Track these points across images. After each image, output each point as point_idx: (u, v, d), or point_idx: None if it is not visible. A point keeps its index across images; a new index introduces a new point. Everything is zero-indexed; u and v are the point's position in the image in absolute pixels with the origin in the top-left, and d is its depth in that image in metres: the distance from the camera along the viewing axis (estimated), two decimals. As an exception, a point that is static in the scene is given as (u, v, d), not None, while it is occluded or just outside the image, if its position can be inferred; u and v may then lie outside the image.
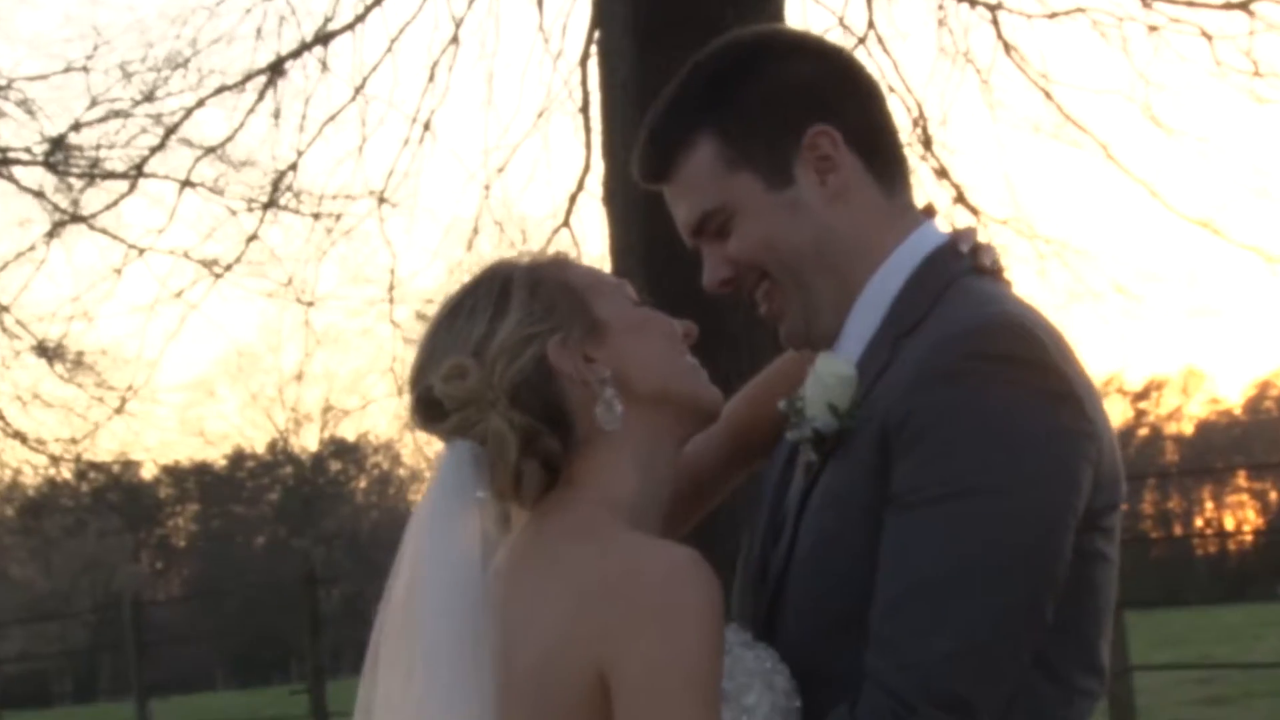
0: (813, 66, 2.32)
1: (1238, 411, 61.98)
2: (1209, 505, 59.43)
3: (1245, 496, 58.77)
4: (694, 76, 2.35)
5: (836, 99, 2.30)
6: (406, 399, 2.26)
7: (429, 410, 2.21)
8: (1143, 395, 58.47)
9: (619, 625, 2.00)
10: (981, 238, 2.36)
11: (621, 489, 2.18)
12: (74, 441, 17.70)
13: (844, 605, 2.13)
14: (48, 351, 16.69)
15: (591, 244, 12.90)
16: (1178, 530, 54.23)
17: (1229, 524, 59.14)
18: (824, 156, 2.27)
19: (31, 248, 14.97)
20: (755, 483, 2.54)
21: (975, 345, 2.10)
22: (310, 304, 14.39)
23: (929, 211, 2.38)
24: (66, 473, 20.81)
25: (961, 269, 2.28)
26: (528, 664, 2.06)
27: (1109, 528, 2.17)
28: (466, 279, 2.30)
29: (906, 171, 2.37)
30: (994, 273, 2.30)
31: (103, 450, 19.30)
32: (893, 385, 2.14)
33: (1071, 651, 2.16)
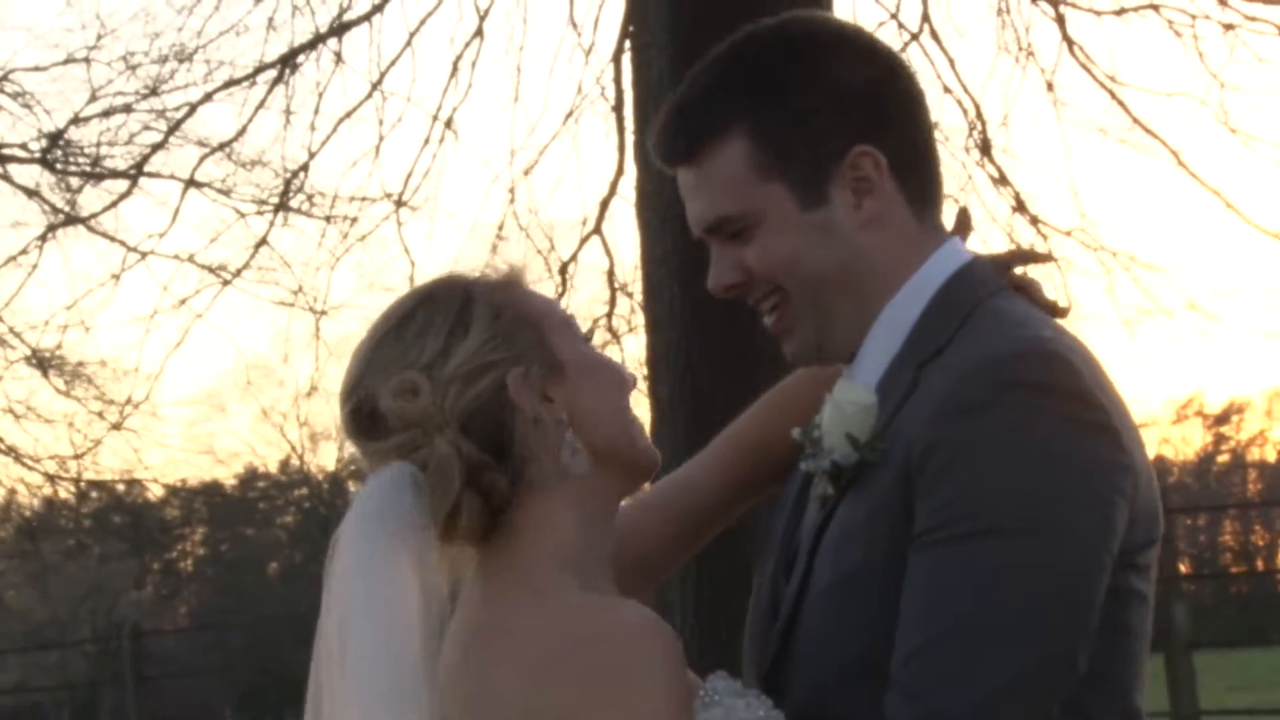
0: (865, 73, 2.29)
1: (1327, 437, 61.41)
2: (1294, 538, 58.96)
3: (1335, 529, 58.30)
4: (738, 58, 2.31)
5: (885, 115, 2.29)
6: (338, 410, 2.23)
7: (369, 424, 2.19)
8: (1223, 419, 58.03)
9: (576, 698, 2.01)
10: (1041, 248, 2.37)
11: (568, 541, 2.18)
12: (73, 459, 17.66)
13: (861, 648, 2.13)
14: (43, 362, 16.64)
15: (624, 252, 12.91)
16: (1260, 565, 53.89)
17: (1317, 559, 58.66)
18: (863, 178, 2.26)
19: (25, 251, 14.88)
20: (770, 509, 2.53)
21: (1006, 373, 2.10)
22: (323, 313, 14.31)
23: (961, 227, 2.39)
24: (65, 493, 20.79)
25: (989, 289, 2.28)
26: None
27: (1145, 565, 2.18)
28: (412, 290, 2.26)
29: (940, 192, 2.36)
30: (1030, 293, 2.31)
31: (104, 469, 19.30)
32: (916, 415, 2.14)
33: (1105, 697, 2.16)
